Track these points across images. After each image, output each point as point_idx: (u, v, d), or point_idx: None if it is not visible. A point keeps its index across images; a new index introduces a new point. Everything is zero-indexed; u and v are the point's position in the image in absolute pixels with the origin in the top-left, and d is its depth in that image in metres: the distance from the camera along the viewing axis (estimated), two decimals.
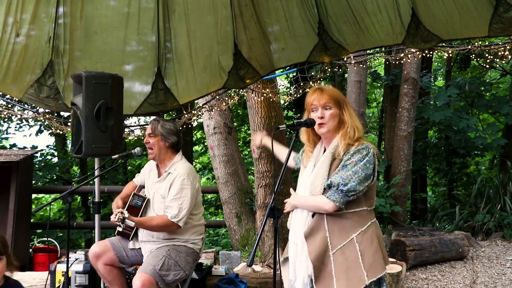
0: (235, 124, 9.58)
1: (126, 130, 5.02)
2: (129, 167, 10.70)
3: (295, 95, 5.25)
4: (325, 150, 2.25)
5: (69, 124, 4.28)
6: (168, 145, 3.21)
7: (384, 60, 6.41)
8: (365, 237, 2.10)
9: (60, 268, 3.73)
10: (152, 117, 4.25)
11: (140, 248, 3.22)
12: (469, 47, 4.40)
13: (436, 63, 11.99)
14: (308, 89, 5.15)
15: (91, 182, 4.06)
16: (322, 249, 2.08)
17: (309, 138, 2.31)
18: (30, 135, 9.52)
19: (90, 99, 3.19)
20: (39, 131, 9.16)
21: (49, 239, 5.84)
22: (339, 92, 2.28)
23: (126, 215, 2.82)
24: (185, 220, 3.07)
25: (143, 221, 3.06)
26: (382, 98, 10.43)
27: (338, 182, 2.06)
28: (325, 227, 2.10)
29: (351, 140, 2.13)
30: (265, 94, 4.91)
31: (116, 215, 2.79)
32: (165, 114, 7.59)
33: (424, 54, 4.69)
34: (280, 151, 2.74)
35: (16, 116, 4.38)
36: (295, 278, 2.22)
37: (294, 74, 5.41)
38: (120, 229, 3.02)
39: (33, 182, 6.32)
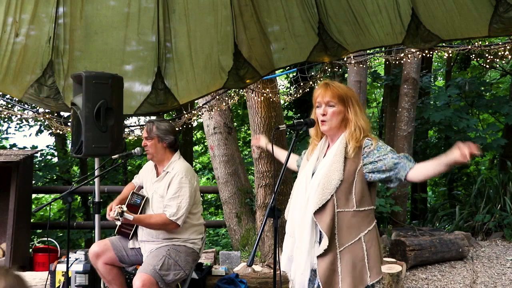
0: (235, 124, 9.58)
1: (126, 130, 5.02)
2: (129, 167, 10.70)
3: (295, 95, 5.25)
4: (328, 146, 2.25)
5: (69, 124, 4.28)
6: (165, 145, 3.21)
7: (384, 60, 6.41)
8: (371, 237, 2.10)
9: (60, 268, 3.73)
10: (152, 117, 4.26)
11: (140, 247, 3.23)
12: (469, 47, 4.40)
13: (436, 63, 11.98)
14: (308, 89, 5.16)
15: (91, 182, 4.06)
16: (329, 245, 2.08)
17: (317, 133, 2.31)
18: (30, 135, 9.52)
19: (90, 99, 3.19)
20: (39, 131, 9.15)
21: (49, 239, 5.83)
22: (346, 88, 2.24)
23: (125, 208, 2.82)
24: (184, 219, 3.07)
25: (141, 218, 3.06)
26: (382, 98, 10.42)
27: (399, 160, 2.07)
28: (335, 224, 2.09)
29: (358, 142, 2.13)
30: (265, 94, 4.91)
31: (114, 210, 2.79)
32: (165, 114, 7.60)
33: (424, 54, 4.69)
34: (281, 154, 2.71)
35: (16, 116, 4.38)
36: (290, 270, 2.22)
37: (294, 74, 5.41)
38: (118, 223, 3.00)
39: (33, 182, 6.31)
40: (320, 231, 2.11)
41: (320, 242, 2.11)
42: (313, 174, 2.20)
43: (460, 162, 1.89)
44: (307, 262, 2.13)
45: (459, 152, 1.88)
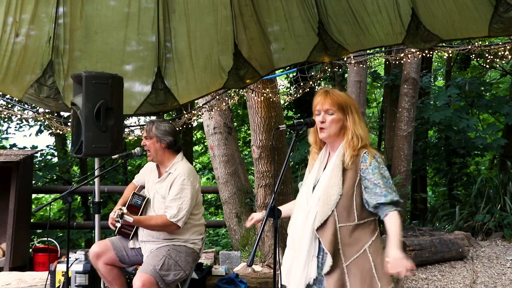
0: (235, 124, 9.58)
1: (126, 130, 5.02)
2: (129, 167, 10.70)
3: (295, 95, 5.25)
4: (329, 155, 2.24)
5: (69, 124, 4.28)
6: (164, 146, 3.20)
7: (384, 60, 6.42)
8: (376, 248, 2.10)
9: (60, 268, 3.73)
10: (153, 117, 4.26)
11: (140, 247, 3.23)
12: (469, 47, 4.40)
13: (436, 63, 11.98)
14: (308, 89, 5.16)
15: (91, 182, 4.06)
16: (335, 260, 2.06)
17: (316, 140, 2.29)
18: (30, 135, 9.53)
19: (90, 99, 3.19)
20: (39, 131, 9.16)
21: (49, 239, 5.83)
22: (346, 96, 2.23)
23: (125, 211, 2.83)
24: (185, 220, 3.07)
25: (141, 220, 3.06)
26: (382, 98, 10.42)
27: (390, 200, 2.07)
28: (338, 240, 2.08)
29: (355, 151, 2.11)
30: (265, 94, 4.91)
31: (115, 212, 2.80)
32: (165, 114, 7.60)
33: (424, 54, 4.69)
34: (287, 207, 2.46)
35: (16, 116, 4.38)
36: (289, 283, 2.19)
37: (294, 74, 5.41)
38: (118, 225, 3.01)
39: (33, 182, 6.31)
40: (319, 245, 2.09)
41: (318, 256, 2.10)
42: (314, 187, 2.19)
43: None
44: (302, 275, 2.11)
45: (388, 264, 2.00)
